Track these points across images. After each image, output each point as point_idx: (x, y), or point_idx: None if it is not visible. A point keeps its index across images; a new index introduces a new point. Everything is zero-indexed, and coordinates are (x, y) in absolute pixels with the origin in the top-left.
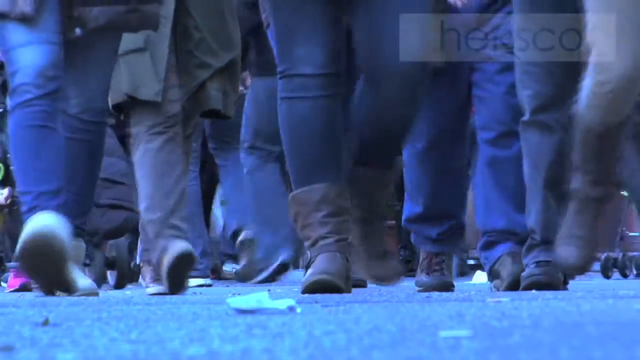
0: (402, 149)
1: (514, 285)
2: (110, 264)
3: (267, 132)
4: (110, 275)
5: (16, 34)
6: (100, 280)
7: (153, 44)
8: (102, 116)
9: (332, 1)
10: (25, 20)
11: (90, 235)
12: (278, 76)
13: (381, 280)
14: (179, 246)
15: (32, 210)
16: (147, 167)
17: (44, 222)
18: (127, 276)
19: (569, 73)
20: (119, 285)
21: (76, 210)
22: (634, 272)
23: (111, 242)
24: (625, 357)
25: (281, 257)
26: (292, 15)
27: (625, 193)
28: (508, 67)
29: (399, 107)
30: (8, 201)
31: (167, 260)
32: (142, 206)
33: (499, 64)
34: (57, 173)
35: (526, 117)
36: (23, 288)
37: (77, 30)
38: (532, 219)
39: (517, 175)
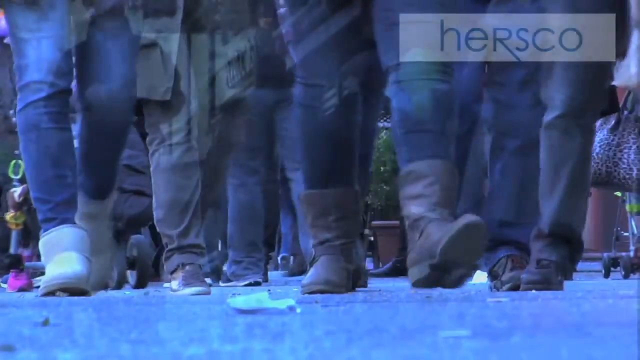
0: (454, 126)
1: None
2: (131, 264)
3: (245, 146)
4: (131, 275)
5: (25, 21)
6: (122, 281)
7: (164, 38)
8: (125, 111)
9: (349, 10)
10: (29, 4)
11: (114, 220)
12: (296, 78)
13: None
14: (197, 290)
15: (50, 221)
16: (164, 179)
17: (71, 266)
18: (148, 276)
19: (597, 80)
20: (140, 285)
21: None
22: (622, 272)
23: (132, 241)
24: (625, 357)
25: (249, 280)
26: (310, 25)
27: (618, 193)
28: (533, 78)
29: (428, 81)
30: (21, 199)
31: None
32: (157, 213)
33: (522, 69)
34: (71, 177)
35: (551, 118)
36: (22, 291)
37: (91, 11)
38: (546, 213)
39: (526, 183)
